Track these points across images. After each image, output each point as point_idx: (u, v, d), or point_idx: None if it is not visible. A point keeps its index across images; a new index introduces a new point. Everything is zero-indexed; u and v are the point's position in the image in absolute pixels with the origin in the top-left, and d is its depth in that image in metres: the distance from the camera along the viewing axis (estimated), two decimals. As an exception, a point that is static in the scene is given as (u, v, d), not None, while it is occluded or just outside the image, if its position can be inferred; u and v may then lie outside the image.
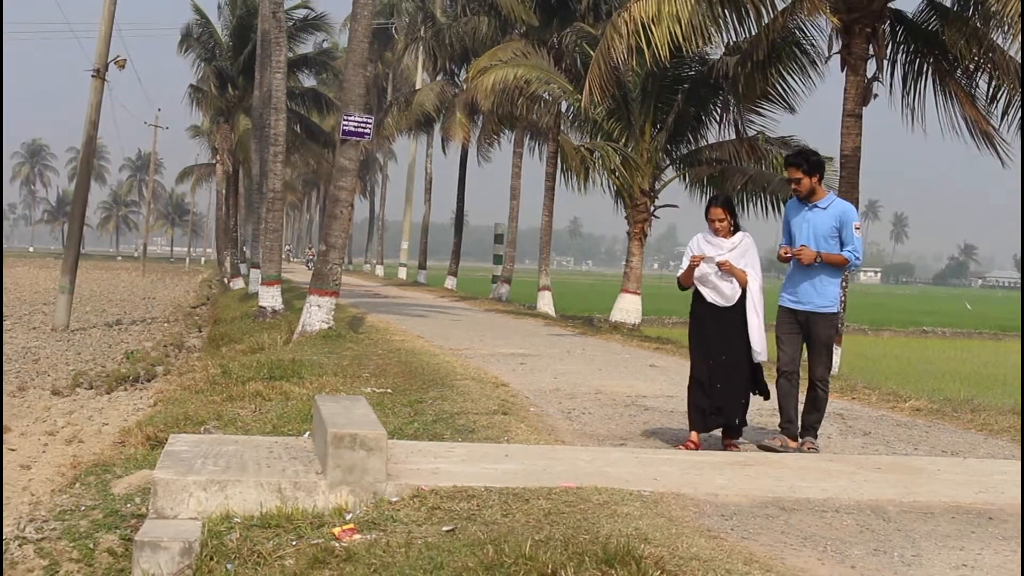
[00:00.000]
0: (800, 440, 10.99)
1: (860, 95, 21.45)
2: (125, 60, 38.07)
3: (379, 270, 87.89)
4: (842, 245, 10.93)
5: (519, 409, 12.97)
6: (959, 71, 22.79)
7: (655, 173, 29.85)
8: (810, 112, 27.91)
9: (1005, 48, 21.66)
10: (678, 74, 29.07)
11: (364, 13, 23.27)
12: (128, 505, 9.50)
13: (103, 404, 20.39)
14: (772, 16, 22.78)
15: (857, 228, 11.00)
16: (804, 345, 11.19)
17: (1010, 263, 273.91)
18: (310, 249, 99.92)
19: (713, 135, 29.53)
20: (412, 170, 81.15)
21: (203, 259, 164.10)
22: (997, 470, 10.00)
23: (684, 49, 23.53)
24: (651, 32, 22.71)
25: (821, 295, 10.98)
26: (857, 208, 21.78)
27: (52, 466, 14.08)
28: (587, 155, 29.47)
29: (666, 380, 16.92)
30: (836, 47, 22.00)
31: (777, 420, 11.23)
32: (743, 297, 10.74)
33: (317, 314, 22.97)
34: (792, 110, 26.20)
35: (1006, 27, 21.03)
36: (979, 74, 22.53)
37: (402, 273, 77.63)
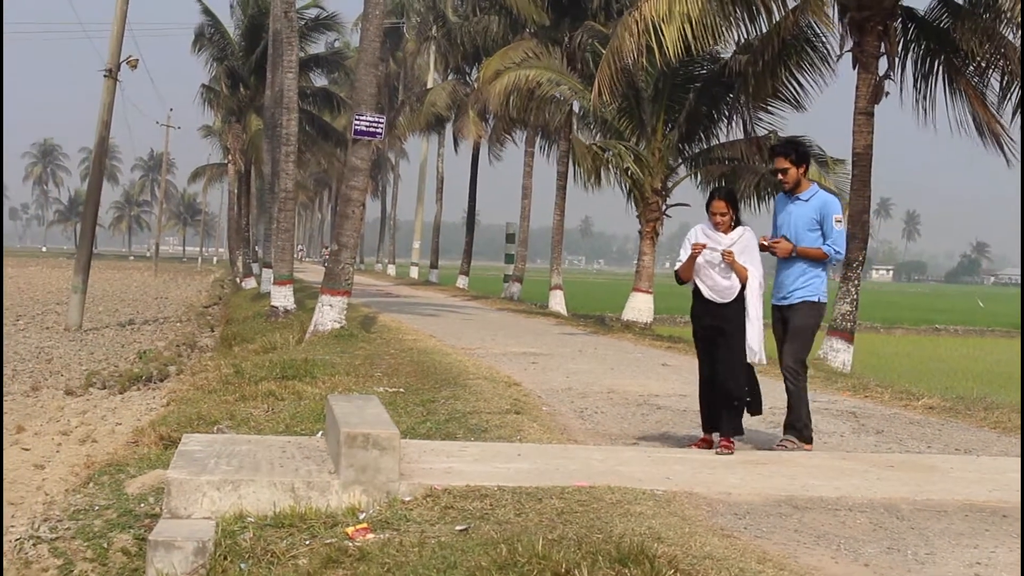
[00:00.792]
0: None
1: (872, 93, 21.43)
2: (137, 60, 38.13)
3: (391, 269, 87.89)
4: (824, 238, 10.73)
5: (531, 408, 12.97)
6: (971, 68, 22.76)
7: (667, 172, 29.81)
8: (820, 111, 27.88)
9: (1017, 45, 21.63)
10: (690, 73, 29.03)
11: (376, 13, 23.27)
12: (142, 505, 9.52)
13: (116, 404, 20.42)
14: (783, 14, 22.78)
15: (838, 221, 10.76)
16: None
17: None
18: (325, 249, 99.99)
19: (725, 134, 29.48)
20: (424, 169, 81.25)
21: (215, 259, 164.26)
22: (1010, 468, 9.97)
23: (695, 48, 23.49)
24: (662, 31, 22.70)
25: (804, 287, 10.77)
26: (870, 206, 21.92)
27: (66, 466, 14.11)
28: (599, 153, 29.44)
29: (678, 379, 16.91)
30: (848, 45, 22.00)
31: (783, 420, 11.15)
32: (741, 294, 10.41)
33: (329, 313, 22.98)
34: (802, 108, 26.15)
35: (1018, 24, 21.03)
36: (991, 71, 22.48)
37: (414, 272, 77.67)
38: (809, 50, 24.04)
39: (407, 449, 9.46)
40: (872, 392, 16.02)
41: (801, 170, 10.87)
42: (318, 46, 58.32)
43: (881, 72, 21.64)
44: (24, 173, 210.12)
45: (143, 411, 19.17)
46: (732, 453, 10.23)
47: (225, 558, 7.58)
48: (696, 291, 10.57)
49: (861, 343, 25.45)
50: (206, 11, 55.38)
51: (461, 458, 9.55)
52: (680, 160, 30.48)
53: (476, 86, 49.51)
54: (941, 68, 22.91)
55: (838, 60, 23.11)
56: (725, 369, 10.42)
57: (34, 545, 8.84)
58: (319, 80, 62.58)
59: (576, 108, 37.45)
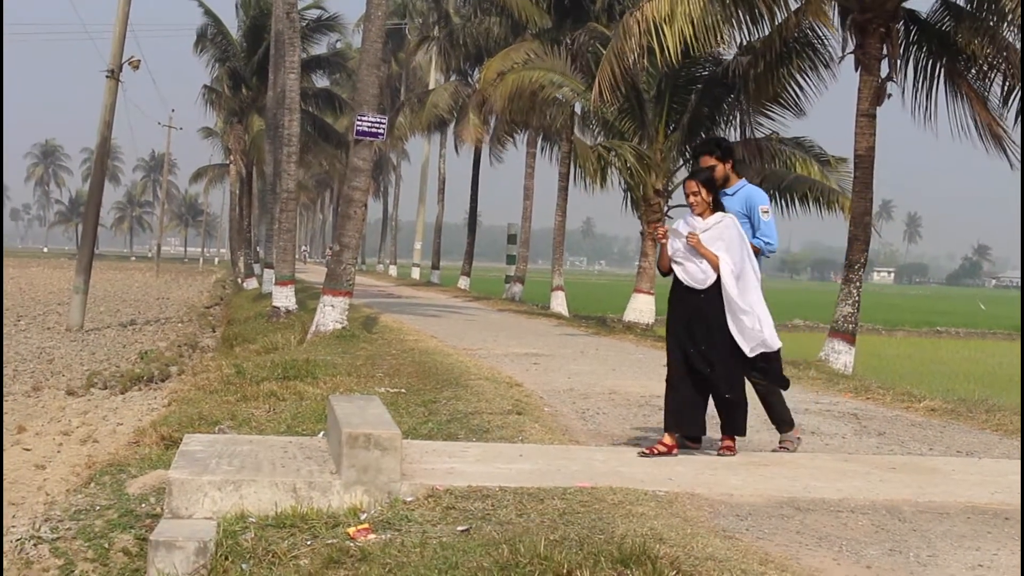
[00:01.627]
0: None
1: (874, 95, 21.43)
2: (139, 61, 38.20)
3: (392, 270, 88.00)
4: (754, 231, 10.55)
5: (533, 409, 12.96)
6: (972, 71, 22.75)
7: (669, 173, 29.83)
8: (819, 114, 27.88)
9: (1019, 47, 21.62)
10: (692, 74, 29.07)
11: (378, 14, 23.28)
12: (143, 505, 9.51)
13: (117, 404, 20.43)
14: (785, 16, 22.78)
15: (765, 212, 10.63)
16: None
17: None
18: (330, 249, 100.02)
19: (727, 135, 29.45)
20: (425, 170, 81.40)
21: (217, 259, 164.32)
22: (1012, 470, 9.95)
23: (696, 49, 23.49)
24: (663, 32, 22.70)
25: None
26: (871, 208, 21.93)
27: (67, 466, 14.11)
28: (604, 154, 29.46)
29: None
30: (850, 47, 22.00)
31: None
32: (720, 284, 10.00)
33: (331, 314, 22.99)
34: (802, 112, 26.17)
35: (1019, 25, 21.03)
36: (993, 74, 22.48)
37: (415, 273, 77.77)
38: (810, 52, 24.02)
39: (409, 449, 9.45)
40: (874, 394, 16.01)
41: (728, 165, 10.69)
42: (320, 47, 58.47)
43: (883, 74, 21.64)
44: (26, 174, 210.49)
45: (144, 411, 19.17)
46: (734, 454, 10.11)
47: (226, 558, 7.58)
48: (675, 278, 10.22)
49: (863, 345, 25.44)
50: (207, 12, 55.40)
51: (463, 459, 9.54)
52: (682, 161, 30.48)
53: (477, 87, 49.55)
54: (943, 71, 22.91)
55: (840, 62, 23.12)
56: (710, 366, 10.06)
57: (35, 545, 8.83)
58: (321, 81, 62.69)
59: (578, 109, 37.49)
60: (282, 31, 33.93)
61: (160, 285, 77.63)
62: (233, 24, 57.14)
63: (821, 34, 23.55)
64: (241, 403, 14.87)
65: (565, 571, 6.37)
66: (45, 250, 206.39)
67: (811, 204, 28.85)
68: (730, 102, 28.72)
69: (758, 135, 27.96)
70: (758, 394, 10.62)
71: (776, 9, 22.82)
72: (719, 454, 10.15)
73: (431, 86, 64.79)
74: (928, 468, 10.06)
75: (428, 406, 13.16)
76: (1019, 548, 7.31)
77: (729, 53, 27.25)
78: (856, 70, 21.74)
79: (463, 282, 57.02)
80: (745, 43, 25.23)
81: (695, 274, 9.97)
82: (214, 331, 37.06)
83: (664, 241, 10.18)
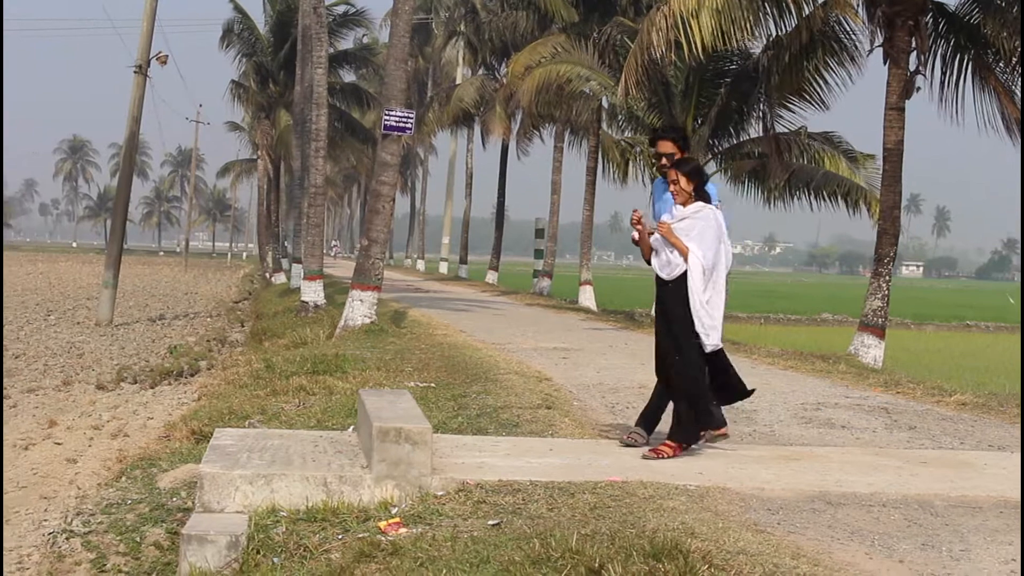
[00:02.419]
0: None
1: (903, 89, 21.34)
2: (167, 56, 38.26)
3: (420, 265, 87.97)
4: None
5: (563, 403, 12.95)
6: (1000, 65, 22.63)
7: (696, 168, 29.74)
8: (845, 110, 27.77)
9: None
10: (720, 68, 28.98)
11: (405, 8, 23.28)
12: (174, 499, 9.55)
13: (148, 398, 20.50)
14: (812, 8, 22.70)
15: (720, 203, 10.26)
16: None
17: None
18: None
19: (755, 129, 29.36)
20: (453, 165, 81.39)
21: (245, 254, 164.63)
22: (1045, 464, 9.92)
23: (723, 43, 23.41)
24: (690, 26, 22.64)
25: None
26: (900, 202, 21.85)
27: (98, 460, 14.16)
28: (628, 148, 29.41)
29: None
30: (878, 40, 21.92)
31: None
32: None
33: (360, 309, 23.01)
34: (825, 107, 26.06)
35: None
36: (1021, 67, 22.36)
37: (443, 268, 77.79)
38: (836, 46, 23.91)
39: (439, 444, 9.46)
40: (904, 388, 15.94)
41: (685, 154, 10.41)
42: (347, 42, 58.40)
43: (911, 68, 21.56)
44: (54, 169, 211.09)
45: (174, 406, 19.23)
46: (659, 458, 9.50)
47: (258, 552, 7.61)
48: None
49: (892, 339, 25.34)
50: (236, 7, 55.49)
51: (493, 453, 9.55)
52: (710, 156, 30.40)
53: (504, 81, 49.51)
54: (970, 64, 22.79)
55: (868, 55, 23.02)
56: (670, 358, 9.81)
57: (67, 539, 8.87)
58: (348, 76, 62.61)
59: (605, 103, 37.42)
60: (309, 26, 33.97)
61: (188, 280, 77.81)
62: (260, 19, 57.27)
63: (848, 28, 23.45)
64: (271, 397, 14.93)
65: (597, 565, 6.37)
66: (74, 245, 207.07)
67: (839, 201, 28.76)
68: (758, 96, 28.63)
69: (781, 130, 27.81)
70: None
71: (803, 2, 22.75)
72: (643, 456, 9.60)
73: (458, 80, 64.75)
74: (960, 462, 10.03)
75: (458, 400, 13.16)
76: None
77: (757, 47, 27.15)
78: (884, 63, 21.65)
79: (491, 276, 56.97)
80: (773, 37, 25.13)
81: (663, 264, 9.74)
82: (243, 326, 37.15)
83: (639, 227, 9.96)
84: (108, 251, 37.99)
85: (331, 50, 47.69)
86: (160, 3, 36.31)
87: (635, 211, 10.08)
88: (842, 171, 29.03)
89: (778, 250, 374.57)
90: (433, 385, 14.70)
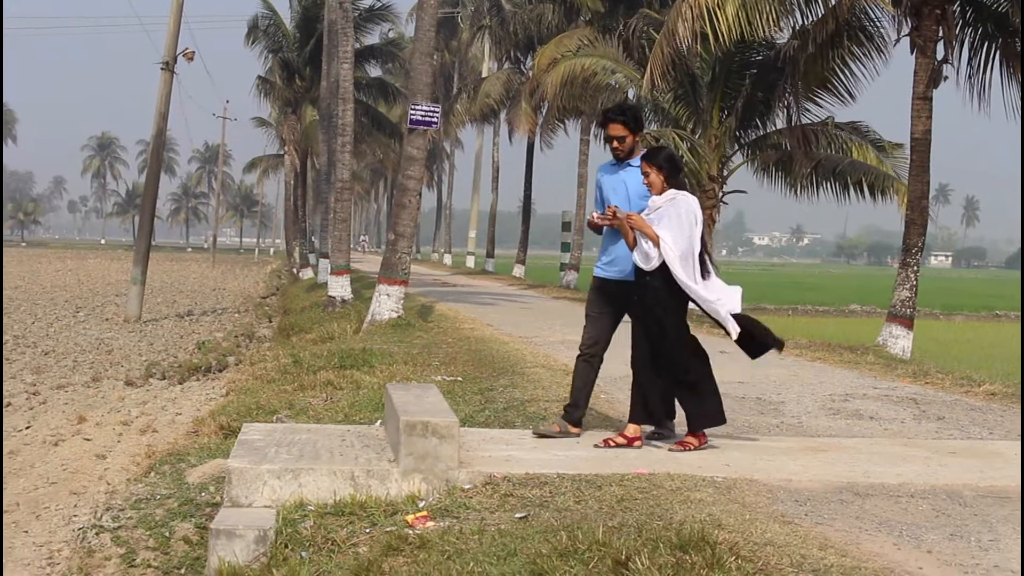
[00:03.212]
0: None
1: (930, 78, 21.25)
2: (194, 53, 38.36)
3: (447, 259, 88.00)
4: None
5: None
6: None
7: (723, 159, 29.65)
8: (871, 99, 27.64)
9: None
10: (746, 59, 28.85)
11: (431, 2, 23.31)
12: (202, 494, 9.59)
13: (176, 394, 20.57)
14: (839, -2, 22.63)
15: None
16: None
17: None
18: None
19: (781, 120, 29.25)
20: (479, 159, 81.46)
21: (272, 250, 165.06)
22: (1074, 454, 9.87)
23: (749, 34, 23.37)
24: (716, 16, 22.61)
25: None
26: (928, 191, 21.77)
27: (127, 455, 14.23)
28: (654, 141, 29.32)
29: (737, 366, 16.76)
30: (905, 29, 21.83)
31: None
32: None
33: (386, 303, 23.04)
34: (850, 98, 25.94)
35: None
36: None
37: (470, 262, 77.79)
38: (862, 35, 23.82)
39: (466, 437, 9.46)
40: (932, 378, 15.88)
41: (636, 137, 10.15)
42: (373, 36, 58.41)
43: (939, 57, 21.48)
44: (82, 166, 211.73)
45: (203, 401, 19.30)
46: (685, 450, 9.51)
47: (286, 546, 7.62)
48: None
49: (920, 330, 25.25)
50: (264, 2, 55.65)
51: (520, 446, 9.55)
52: (736, 147, 30.31)
53: (531, 75, 49.48)
54: (997, 52, 22.68)
55: (895, 44, 22.92)
56: (657, 351, 9.66)
57: (97, 534, 8.92)
58: (374, 71, 62.67)
59: (631, 96, 37.35)
60: (335, 21, 34.02)
61: (216, 276, 78.05)
62: (286, 15, 57.35)
63: (874, 17, 23.36)
64: (298, 392, 14.96)
65: (624, 557, 6.36)
66: (103, 242, 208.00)
67: (866, 190, 28.63)
68: (781, 87, 28.53)
69: (806, 121, 27.69)
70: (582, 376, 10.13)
71: (830, -9, 22.71)
72: (670, 450, 9.63)
73: (484, 74, 64.76)
74: (989, 452, 9.99)
75: (485, 394, 13.18)
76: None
77: (783, 38, 27.06)
78: (911, 53, 21.56)
79: (518, 270, 56.96)
80: (799, 27, 25.05)
81: (642, 256, 9.53)
82: (270, 321, 37.25)
83: (616, 221, 9.67)
84: (136, 247, 38.15)
85: (357, 45, 47.70)
86: (186, -1, 36.44)
87: (609, 207, 9.78)
88: (870, 161, 28.89)
89: (806, 241, 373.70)
90: (460, 379, 14.71)
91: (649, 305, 9.61)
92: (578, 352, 10.20)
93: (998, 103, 22.72)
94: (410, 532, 7.49)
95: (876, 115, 30.45)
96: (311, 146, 60.57)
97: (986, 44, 22.68)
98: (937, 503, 7.94)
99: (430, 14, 23.40)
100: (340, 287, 29.82)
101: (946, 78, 21.72)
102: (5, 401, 18.85)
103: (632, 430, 9.68)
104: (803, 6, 23.70)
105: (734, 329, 9.64)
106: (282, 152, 66.41)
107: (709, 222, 28.90)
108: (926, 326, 36.71)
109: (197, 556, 8.37)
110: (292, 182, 62.25)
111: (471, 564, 6.69)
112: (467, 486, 8.26)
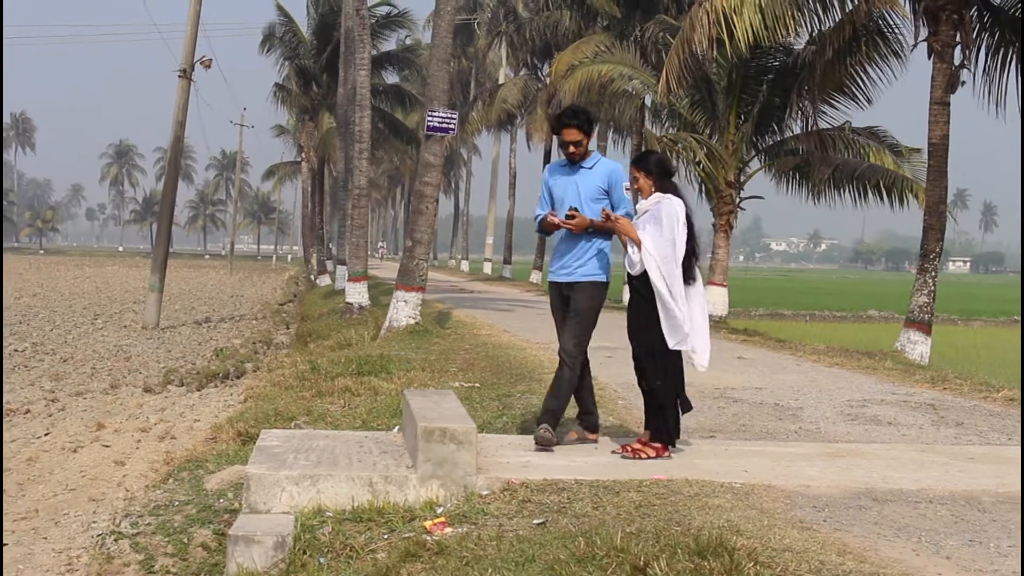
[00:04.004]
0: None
1: (947, 83, 21.24)
2: (211, 60, 38.42)
3: (464, 265, 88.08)
4: (613, 208, 9.85)
5: (607, 402, 12.93)
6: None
7: (740, 164, 29.63)
8: (888, 104, 27.58)
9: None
10: (763, 64, 28.86)
11: (447, 9, 23.33)
12: (221, 500, 9.61)
13: (194, 401, 20.60)
14: (856, 3, 22.62)
15: (627, 189, 9.91)
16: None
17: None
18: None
19: (798, 125, 29.22)
20: (496, 165, 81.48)
21: (289, 256, 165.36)
22: (1094, 460, 9.84)
23: (766, 39, 23.36)
24: (733, 22, 22.60)
25: (587, 263, 9.95)
26: (946, 197, 21.74)
27: (145, 462, 14.25)
28: (671, 146, 29.32)
29: (754, 372, 16.83)
30: (922, 35, 21.82)
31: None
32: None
33: (404, 309, 23.07)
34: (866, 103, 25.94)
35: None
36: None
37: (487, 268, 77.84)
38: (879, 41, 23.82)
39: (484, 443, 9.46)
40: (951, 384, 15.85)
41: (589, 139, 10.04)
42: (389, 43, 58.53)
43: (956, 62, 21.45)
44: (100, 174, 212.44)
45: (221, 408, 19.32)
46: (635, 458, 9.35)
47: (304, 552, 7.63)
48: None
49: (939, 335, 25.22)
50: (280, 9, 55.76)
51: (538, 452, 9.54)
52: (753, 152, 30.30)
53: (548, 81, 49.50)
54: (1014, 57, 22.65)
55: (912, 50, 22.92)
56: (641, 353, 9.69)
57: (115, 540, 8.95)
58: (391, 77, 62.72)
59: (648, 102, 37.35)
60: (352, 28, 34.07)
61: (234, 283, 78.17)
62: (302, 23, 57.46)
63: (891, 22, 23.37)
64: (316, 399, 14.99)
65: (642, 563, 6.36)
66: (121, 249, 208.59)
67: (884, 194, 28.57)
68: (797, 92, 28.50)
69: (823, 126, 27.68)
70: (564, 382, 9.96)
71: (847, -3, 22.71)
72: (612, 452, 9.61)
73: (501, 81, 64.85)
74: (1007, 458, 9.96)
75: (502, 400, 13.18)
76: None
77: (800, 43, 27.07)
78: (929, 58, 21.55)
79: (535, 276, 56.97)
80: (815, 32, 25.05)
81: (629, 261, 9.53)
82: (288, 328, 37.28)
83: (609, 224, 9.59)
84: (154, 255, 38.25)
85: (374, 52, 47.77)
86: (204, 7, 36.50)
87: (604, 209, 9.71)
88: (887, 165, 28.85)
89: (823, 247, 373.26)
90: (478, 385, 14.72)
91: (632, 311, 9.71)
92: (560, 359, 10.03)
93: (1014, 108, 22.69)
94: (428, 538, 7.50)
95: (893, 120, 30.40)
96: (328, 153, 60.64)
97: (1003, 49, 22.65)
98: (956, 509, 7.93)
99: (447, 21, 23.43)
100: (358, 294, 29.85)
101: (963, 83, 21.69)
102: (24, 408, 18.92)
103: (648, 435, 9.67)
104: (820, 11, 23.68)
105: (699, 363, 9.70)
106: (299, 159, 66.50)
107: (726, 227, 28.96)
108: (944, 332, 36.68)
109: (215, 562, 8.38)
110: (309, 189, 62.30)
111: (489, 570, 6.69)
112: (485, 492, 8.26)
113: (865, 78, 24.88)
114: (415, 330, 22.39)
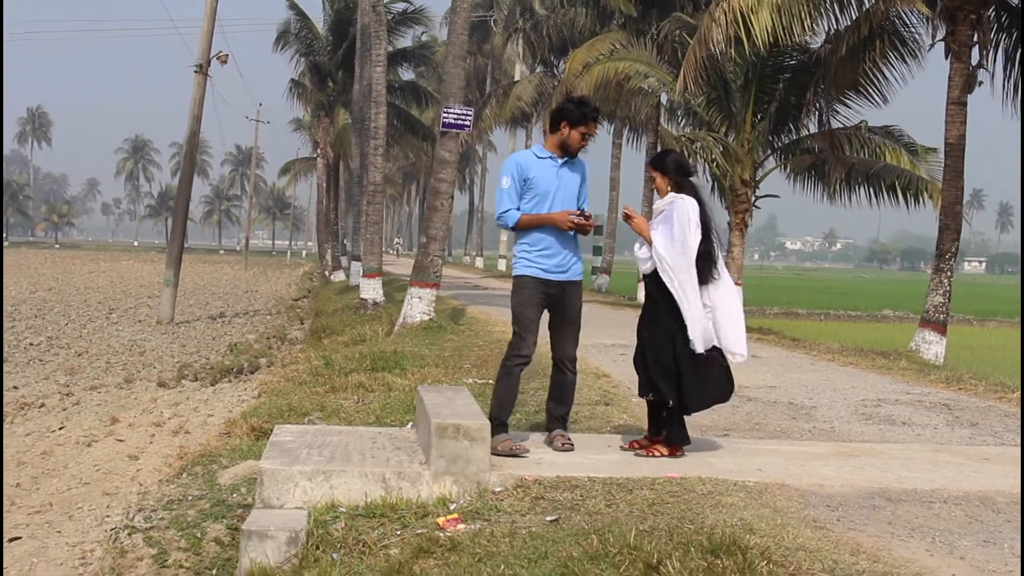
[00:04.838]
0: (549, 434, 9.82)
1: (964, 83, 21.20)
2: (227, 55, 38.44)
3: (478, 262, 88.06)
4: (577, 203, 9.61)
5: (621, 400, 12.93)
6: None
7: (756, 163, 29.57)
8: (904, 103, 27.49)
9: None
10: (780, 63, 28.75)
11: (463, 6, 23.33)
12: (234, 495, 9.62)
13: (208, 396, 20.61)
14: (873, 2, 22.57)
15: (625, 217, 9.65)
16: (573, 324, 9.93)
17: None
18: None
19: (815, 124, 29.15)
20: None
21: (304, 252, 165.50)
22: (1109, 461, 9.81)
23: (783, 38, 23.31)
24: (750, 20, 22.56)
25: (577, 263, 9.73)
26: (962, 197, 21.71)
27: (159, 456, 14.26)
28: (688, 145, 29.25)
29: (768, 370, 16.81)
30: (940, 34, 21.77)
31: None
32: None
33: (418, 306, 23.08)
34: (880, 102, 25.86)
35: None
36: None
37: (501, 265, 77.76)
38: (896, 40, 23.76)
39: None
40: (966, 384, 15.82)
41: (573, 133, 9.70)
42: (405, 40, 58.48)
43: (973, 62, 21.40)
44: (116, 169, 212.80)
45: (234, 403, 19.32)
46: (648, 456, 9.37)
47: (317, 548, 7.64)
48: None
49: (954, 335, 25.17)
50: (293, 6, 55.75)
51: (551, 449, 9.53)
52: (769, 151, 30.23)
53: (562, 79, 49.49)
54: (1022, 58, 22.61)
55: (930, 49, 22.86)
56: (645, 349, 9.59)
57: (129, 535, 8.96)
58: (406, 74, 62.72)
59: (664, 100, 37.30)
60: (368, 24, 34.12)
61: (248, 278, 78.26)
62: (318, 19, 57.47)
63: (908, 22, 23.32)
64: (330, 394, 15.00)
65: (655, 561, 6.35)
66: (136, 244, 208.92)
67: (899, 194, 28.49)
68: (812, 90, 28.42)
69: (837, 125, 27.60)
70: (557, 381, 9.90)
71: (864, -5, 22.66)
72: (622, 447, 9.69)
73: (516, 78, 64.75)
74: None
75: (516, 397, 13.16)
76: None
77: (817, 42, 27.01)
78: (946, 57, 21.51)
79: (549, 273, 56.83)
80: (832, 31, 24.99)
81: (642, 258, 9.45)
82: (302, 323, 37.28)
83: (627, 222, 9.55)
84: (169, 250, 38.29)
85: (390, 48, 47.77)
86: (221, 2, 36.55)
87: (627, 206, 9.73)
88: (903, 165, 28.77)
89: (838, 246, 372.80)
90: (491, 382, 14.69)
91: (643, 309, 9.64)
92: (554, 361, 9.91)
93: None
94: (441, 534, 7.50)
95: (909, 119, 30.30)
96: (344, 149, 60.69)
97: (1020, 50, 22.58)
98: (970, 509, 7.91)
99: (463, 18, 23.42)
100: (372, 290, 29.87)
101: (980, 83, 21.65)
102: (39, 402, 18.98)
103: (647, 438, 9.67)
104: (837, 10, 23.62)
105: (736, 358, 9.59)
106: (315, 155, 66.49)
107: (742, 226, 28.88)
108: (959, 332, 36.59)
109: (228, 557, 8.39)
110: (324, 185, 62.27)
111: (502, 567, 6.69)
112: (498, 489, 8.25)
113: (881, 77, 24.81)
114: (429, 326, 22.40)
